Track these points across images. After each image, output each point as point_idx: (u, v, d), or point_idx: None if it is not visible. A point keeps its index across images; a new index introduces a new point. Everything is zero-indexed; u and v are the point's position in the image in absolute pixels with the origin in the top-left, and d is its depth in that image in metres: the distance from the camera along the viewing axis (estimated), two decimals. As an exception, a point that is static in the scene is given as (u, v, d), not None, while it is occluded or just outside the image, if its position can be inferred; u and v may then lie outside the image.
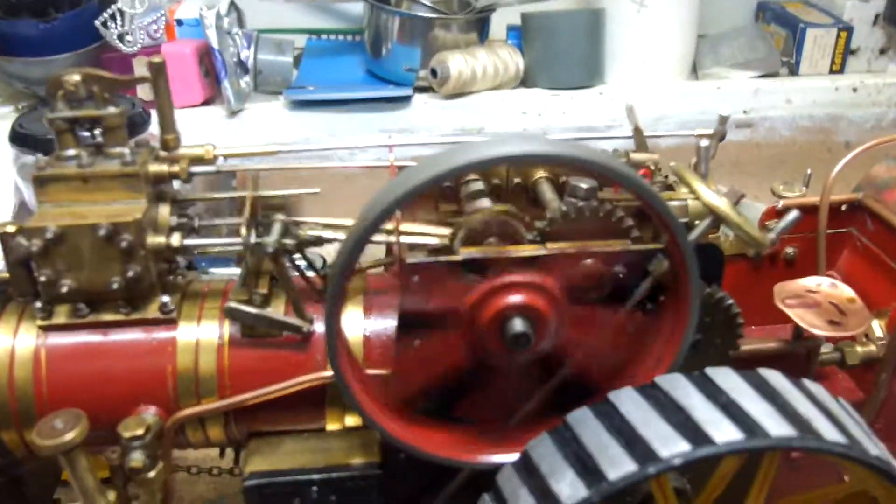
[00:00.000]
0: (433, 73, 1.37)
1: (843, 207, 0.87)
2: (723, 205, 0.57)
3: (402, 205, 0.51)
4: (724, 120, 0.74)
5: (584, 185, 0.65)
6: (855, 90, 1.47)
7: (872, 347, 0.74)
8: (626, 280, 0.62)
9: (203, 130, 1.38)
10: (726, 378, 0.56)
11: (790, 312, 0.67)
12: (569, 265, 0.60)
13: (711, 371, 0.57)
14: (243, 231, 0.64)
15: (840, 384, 0.82)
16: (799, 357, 0.70)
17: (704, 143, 0.66)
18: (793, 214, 0.59)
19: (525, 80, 1.47)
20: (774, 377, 0.57)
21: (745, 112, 1.46)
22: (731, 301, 0.65)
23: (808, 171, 0.88)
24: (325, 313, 0.55)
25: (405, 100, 1.41)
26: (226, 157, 0.73)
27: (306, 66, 1.58)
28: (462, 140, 1.41)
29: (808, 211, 0.86)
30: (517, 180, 0.79)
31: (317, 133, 1.41)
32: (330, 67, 1.58)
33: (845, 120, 1.47)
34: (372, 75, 1.53)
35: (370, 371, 0.62)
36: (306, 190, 0.77)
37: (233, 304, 0.63)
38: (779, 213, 0.86)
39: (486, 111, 1.41)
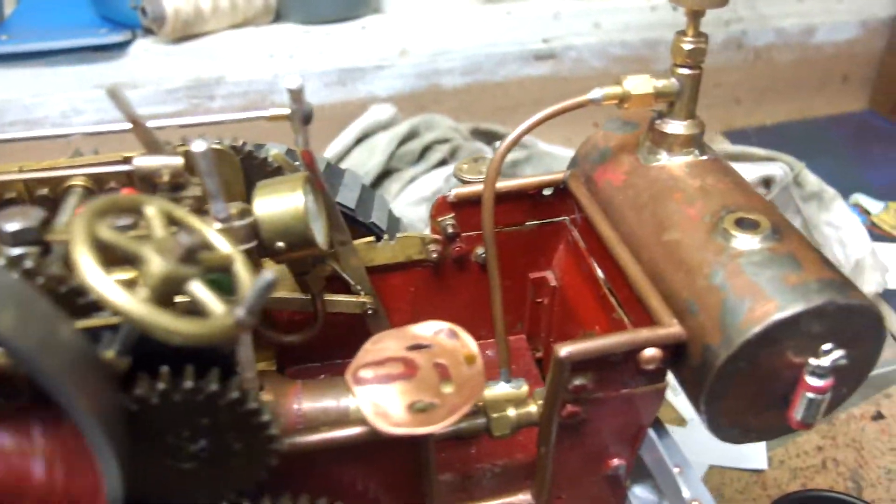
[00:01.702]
0: (143, 12, 1.10)
1: (548, 191, 0.64)
2: (121, 299, 0.33)
3: None
4: (297, 95, 0.49)
5: (10, 226, 0.42)
6: (675, 9, 1.22)
7: (531, 408, 0.52)
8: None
9: None
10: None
11: (356, 392, 0.45)
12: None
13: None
14: None
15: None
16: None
17: (199, 146, 0.42)
18: (264, 279, 0.36)
19: (280, 14, 1.20)
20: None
21: (545, 41, 1.21)
22: (237, 394, 0.42)
23: (497, 144, 0.65)
24: None
25: (122, 47, 1.14)
26: None
27: (25, 8, 1.29)
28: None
29: (503, 198, 0.64)
30: (43, 191, 0.55)
31: (15, 94, 1.14)
32: (53, 8, 1.29)
33: (665, 45, 1.23)
34: (101, 17, 1.25)
35: None
36: None
37: None
38: (452, 206, 0.63)
39: (225, 56, 1.15)
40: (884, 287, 0.90)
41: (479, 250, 0.65)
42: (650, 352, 0.47)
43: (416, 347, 0.48)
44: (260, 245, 0.52)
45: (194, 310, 0.37)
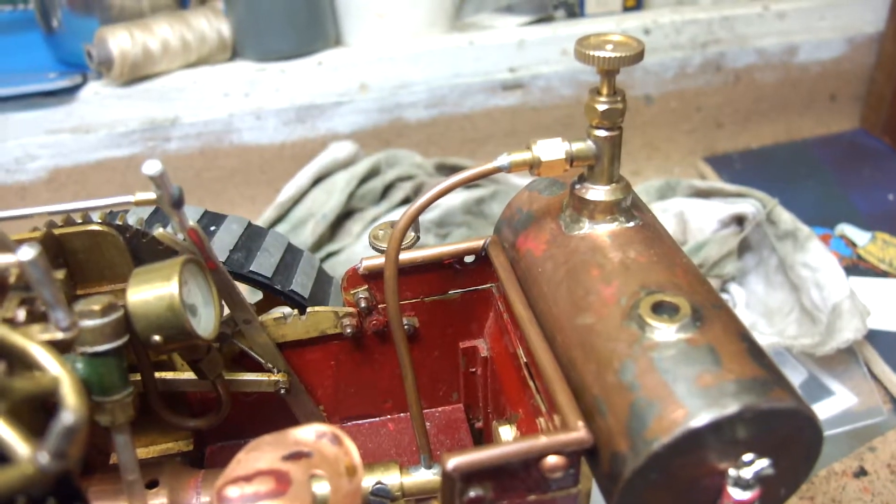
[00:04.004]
0: (89, 55, 1.06)
1: (469, 259, 0.59)
2: None
3: None
4: (159, 181, 0.45)
5: None
6: (648, 32, 1.17)
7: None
8: None
9: None
10: None
11: (215, 519, 0.40)
12: None
13: None
14: None
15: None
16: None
17: (26, 254, 0.37)
18: (63, 422, 0.32)
19: (236, 52, 1.16)
20: None
21: (511, 70, 1.16)
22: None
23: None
24: None
25: (73, 91, 1.11)
26: None
27: (-21, 51, 1.27)
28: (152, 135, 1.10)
29: (423, 268, 0.59)
30: None
31: (-37, 142, 1.11)
32: (8, 51, 1.27)
33: (640, 70, 1.18)
34: (58, 60, 1.22)
35: None
36: None
37: None
38: (364, 277, 0.58)
39: (179, 97, 1.11)
40: (863, 332, 0.84)
41: (403, 320, 0.60)
42: (552, 460, 0.42)
43: (296, 455, 0.44)
44: (135, 339, 0.48)
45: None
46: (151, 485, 0.53)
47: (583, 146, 0.51)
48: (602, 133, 0.50)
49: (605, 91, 0.50)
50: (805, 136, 1.29)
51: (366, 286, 0.58)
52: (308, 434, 0.45)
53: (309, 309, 0.59)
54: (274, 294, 0.64)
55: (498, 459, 0.41)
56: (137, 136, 1.12)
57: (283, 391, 0.60)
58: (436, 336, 0.63)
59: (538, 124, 1.18)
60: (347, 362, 0.62)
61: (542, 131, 1.18)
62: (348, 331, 0.59)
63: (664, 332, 0.44)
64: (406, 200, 1.10)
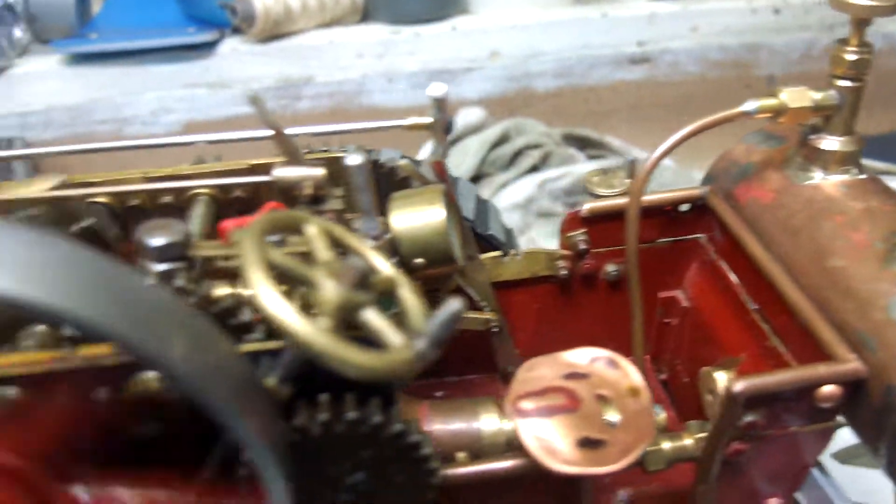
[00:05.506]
0: (233, 11, 1.08)
1: (685, 207, 0.61)
2: (305, 330, 0.31)
3: None
4: (441, 104, 0.47)
5: (155, 241, 0.39)
6: (777, 12, 1.17)
7: (686, 442, 0.49)
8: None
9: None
10: None
11: (520, 427, 0.42)
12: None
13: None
14: None
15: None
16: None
17: (355, 159, 0.39)
18: (451, 308, 0.34)
19: (367, 14, 1.18)
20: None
21: (639, 44, 1.17)
22: (400, 427, 0.39)
23: (630, 159, 0.61)
24: None
25: (210, 46, 1.13)
26: None
27: (112, 6, 1.29)
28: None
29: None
30: (167, 199, 0.53)
31: (105, 93, 1.14)
32: (140, 7, 1.29)
33: (766, 49, 1.18)
34: (188, 15, 1.25)
35: None
36: None
37: None
38: (584, 220, 0.60)
39: (313, 56, 1.13)
40: None
41: (610, 267, 0.62)
42: (828, 389, 0.44)
43: (573, 376, 0.46)
44: (398, 261, 0.50)
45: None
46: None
47: (826, 96, 0.52)
48: (847, 83, 0.51)
49: (855, 41, 0.51)
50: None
51: (584, 229, 0.60)
52: (581, 357, 0.46)
53: (526, 249, 0.61)
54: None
55: (782, 385, 0.43)
56: (271, 94, 1.14)
57: (494, 329, 0.61)
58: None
59: (661, 99, 1.19)
60: (551, 306, 0.64)
61: (664, 106, 1.19)
62: (563, 273, 0.61)
63: (931, 272, 0.45)
64: (534, 168, 1.11)
